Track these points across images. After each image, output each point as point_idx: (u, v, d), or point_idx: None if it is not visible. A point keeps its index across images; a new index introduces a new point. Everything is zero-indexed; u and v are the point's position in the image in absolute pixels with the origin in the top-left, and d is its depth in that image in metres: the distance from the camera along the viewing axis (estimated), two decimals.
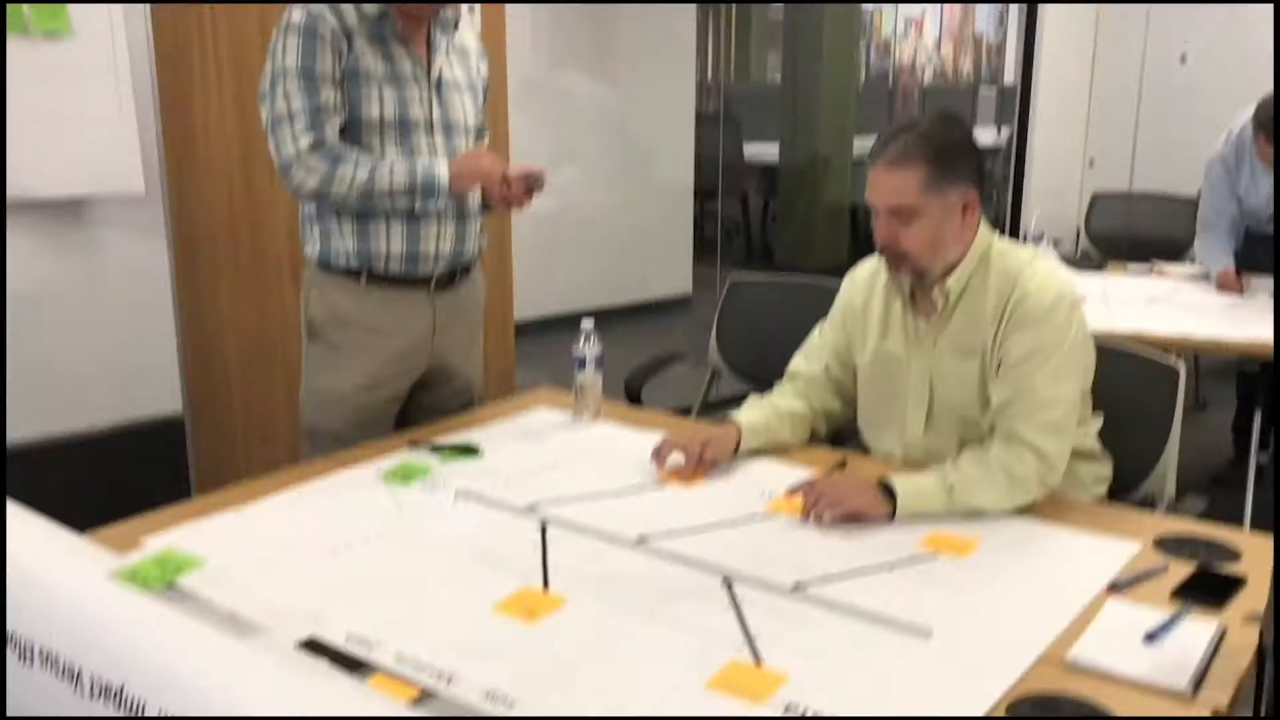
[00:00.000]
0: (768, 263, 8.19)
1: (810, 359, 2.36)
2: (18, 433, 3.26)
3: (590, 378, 2.46)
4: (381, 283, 2.39)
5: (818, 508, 1.91)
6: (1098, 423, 2.21)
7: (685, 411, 3.10)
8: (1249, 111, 3.79)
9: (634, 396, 2.88)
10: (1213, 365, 4.98)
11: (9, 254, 3.21)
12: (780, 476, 2.12)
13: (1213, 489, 3.90)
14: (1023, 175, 6.57)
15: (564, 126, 6.35)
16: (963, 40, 10.67)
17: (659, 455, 2.16)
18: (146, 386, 3.51)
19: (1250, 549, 1.82)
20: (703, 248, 7.39)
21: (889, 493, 1.93)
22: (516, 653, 1.47)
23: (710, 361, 3.24)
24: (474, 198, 2.47)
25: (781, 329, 3.03)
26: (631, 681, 1.40)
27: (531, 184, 2.39)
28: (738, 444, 2.21)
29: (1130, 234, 5.16)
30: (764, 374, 3.15)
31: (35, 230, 3.27)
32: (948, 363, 2.10)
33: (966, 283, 2.07)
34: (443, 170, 2.33)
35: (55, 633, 1.23)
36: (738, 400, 2.38)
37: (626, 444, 2.32)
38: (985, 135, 8.04)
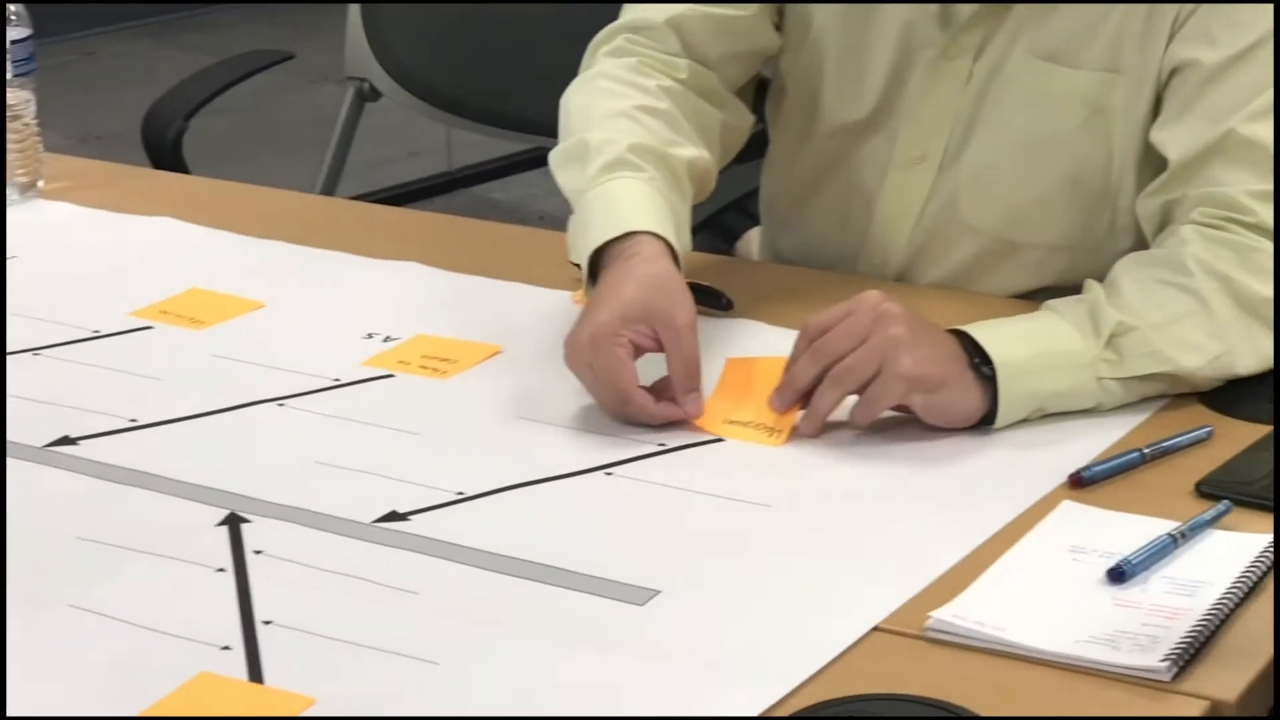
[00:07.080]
0: None
1: None
2: None
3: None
4: None
5: (825, 398, 0.94)
6: None
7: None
8: None
9: (163, 148, 1.55)
10: None
11: None
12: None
13: None
14: None
15: None
16: None
17: (635, 409, 0.96)
18: None
19: None
20: None
21: (974, 352, 0.96)
22: None
23: (349, 66, 1.94)
24: None
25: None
26: None
27: None
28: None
29: None
30: (471, 94, 1.84)
31: None
32: (1019, 74, 1.14)
33: None
34: None
35: None
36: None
37: (88, 257, 1.22)
38: None
